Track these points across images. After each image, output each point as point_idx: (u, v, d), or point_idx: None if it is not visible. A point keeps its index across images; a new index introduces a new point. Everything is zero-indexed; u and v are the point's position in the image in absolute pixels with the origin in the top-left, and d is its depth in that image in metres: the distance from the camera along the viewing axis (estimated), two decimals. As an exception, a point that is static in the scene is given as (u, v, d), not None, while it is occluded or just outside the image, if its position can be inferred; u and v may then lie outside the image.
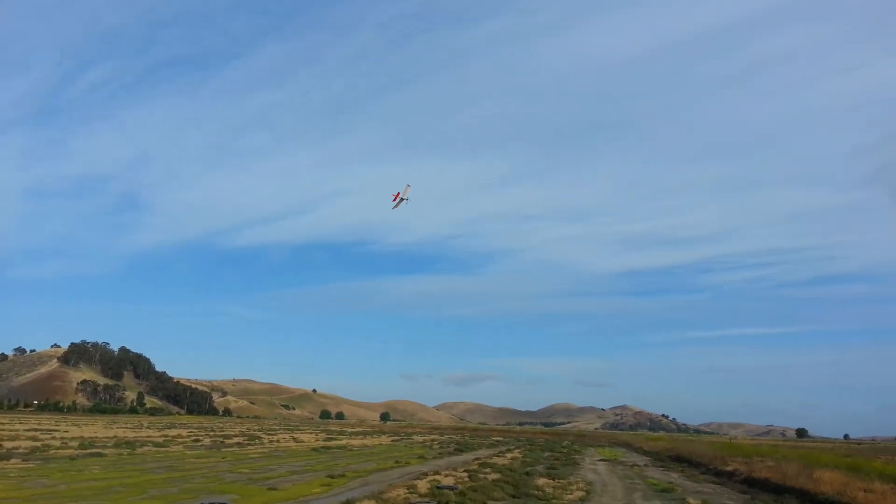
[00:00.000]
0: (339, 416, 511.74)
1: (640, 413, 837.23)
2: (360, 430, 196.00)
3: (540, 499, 31.81)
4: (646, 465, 66.04)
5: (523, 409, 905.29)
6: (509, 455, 72.37)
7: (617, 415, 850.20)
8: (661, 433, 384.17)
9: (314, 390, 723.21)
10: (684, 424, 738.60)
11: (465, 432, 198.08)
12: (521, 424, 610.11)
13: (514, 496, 32.70)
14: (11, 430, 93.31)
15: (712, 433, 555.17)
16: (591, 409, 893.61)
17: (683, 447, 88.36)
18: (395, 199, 40.87)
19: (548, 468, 53.56)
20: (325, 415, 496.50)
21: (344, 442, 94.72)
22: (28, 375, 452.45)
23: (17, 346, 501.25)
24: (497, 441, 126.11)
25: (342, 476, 40.73)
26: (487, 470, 48.03)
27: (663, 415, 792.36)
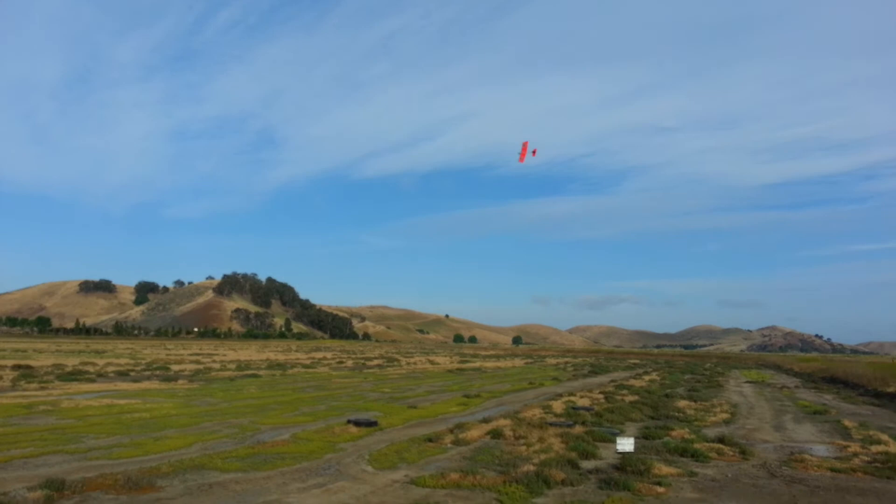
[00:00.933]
0: (472, 340, 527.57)
1: (790, 334, 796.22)
2: (493, 353, 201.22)
3: (681, 420, 31.36)
4: (796, 387, 63.14)
5: (661, 332, 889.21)
6: (647, 377, 71.66)
7: (765, 336, 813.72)
8: (814, 354, 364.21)
9: (447, 315, 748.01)
10: (840, 345, 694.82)
11: (600, 355, 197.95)
12: (658, 347, 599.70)
13: (653, 417, 32.45)
14: (177, 355, 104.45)
15: (871, 353, 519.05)
16: (736, 331, 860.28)
17: (838, 368, 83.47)
18: (523, 152, 39.90)
19: (689, 390, 52.55)
20: (458, 339, 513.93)
21: (478, 364, 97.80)
22: (188, 305, 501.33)
23: (176, 279, 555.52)
24: (633, 364, 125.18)
25: (478, 396, 42.22)
26: (624, 392, 47.89)
27: (816, 335, 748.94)
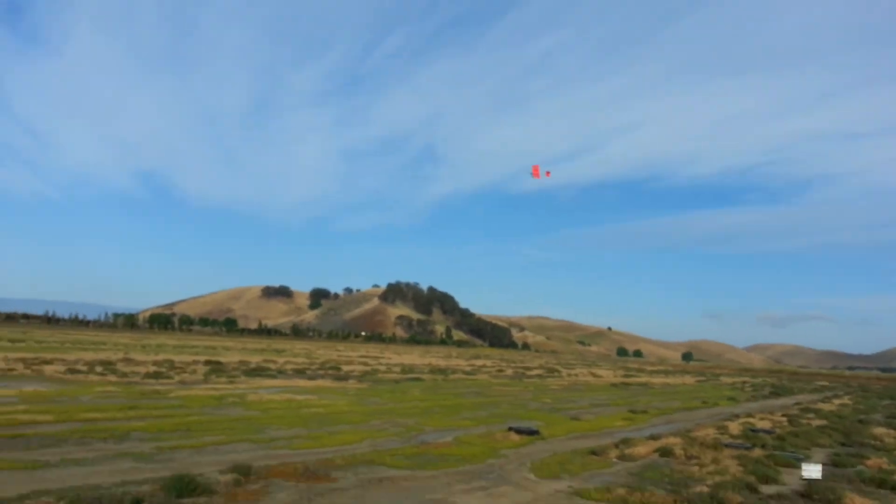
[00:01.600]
0: (637, 354, 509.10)
1: None
2: (661, 368, 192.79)
3: (878, 449, 28.21)
4: None
5: (854, 353, 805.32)
6: (836, 401, 65.19)
7: None
8: None
9: (609, 328, 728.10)
10: None
11: (783, 375, 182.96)
12: (851, 369, 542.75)
13: (843, 444, 29.50)
14: (347, 357, 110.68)
15: None
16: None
17: None
18: (535, 172, 39.56)
19: (887, 417, 47.13)
20: (621, 352, 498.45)
21: (644, 380, 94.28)
22: (355, 311, 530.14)
23: (345, 287, 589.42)
24: (821, 386, 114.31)
25: (644, 412, 40.75)
26: (810, 415, 43.98)
27: None
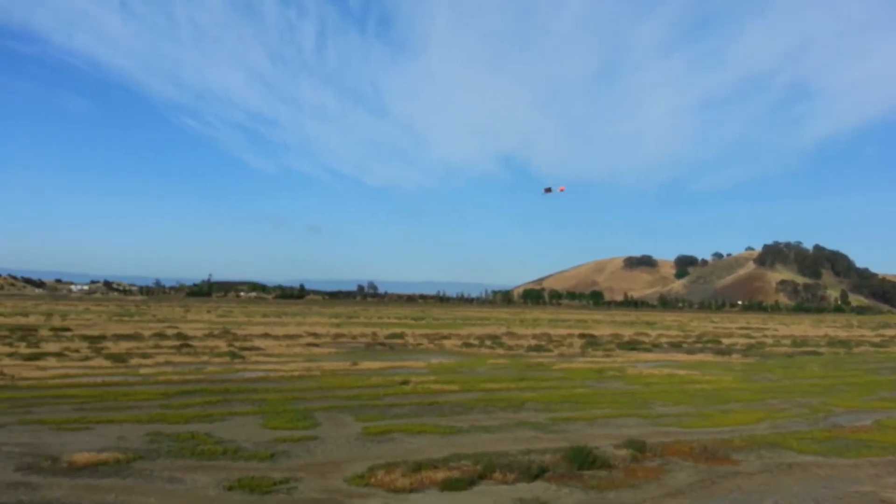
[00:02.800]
0: None
1: None
2: None
3: None
4: None
5: None
6: None
7: None
8: None
9: None
10: None
11: None
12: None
13: None
14: (724, 328, 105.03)
15: None
16: None
17: None
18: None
19: None
20: None
21: None
22: (728, 278, 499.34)
23: (714, 251, 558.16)
24: None
25: None
26: None
27: None
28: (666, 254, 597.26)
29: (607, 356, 46.19)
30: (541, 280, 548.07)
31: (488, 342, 55.89)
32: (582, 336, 67.96)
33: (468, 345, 52.54)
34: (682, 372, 36.02)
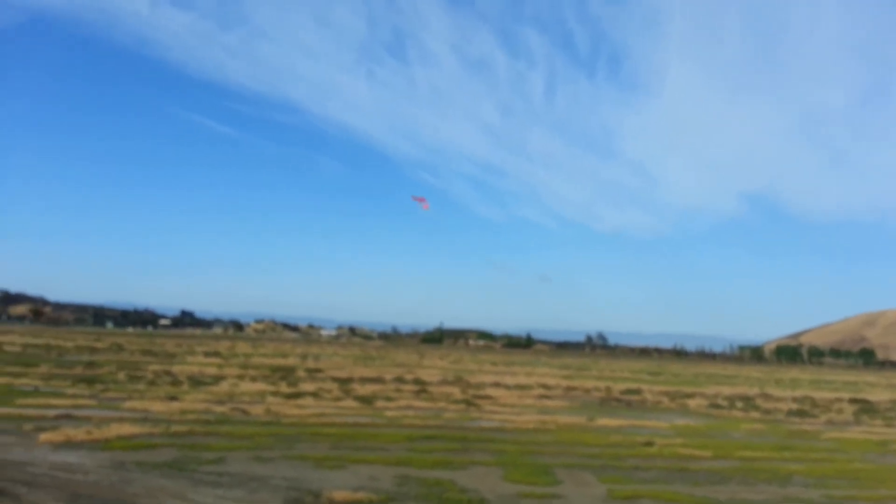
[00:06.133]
0: None
1: None
2: None
3: None
4: None
5: None
6: None
7: None
8: None
9: None
10: None
11: None
12: None
13: None
14: None
15: None
16: None
17: None
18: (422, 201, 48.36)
19: None
20: None
21: None
22: None
23: None
24: None
25: None
26: None
27: None
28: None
29: (888, 426, 40.31)
30: (797, 335, 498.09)
31: (739, 403, 51.62)
32: (853, 401, 60.13)
33: (716, 406, 48.94)
34: None
